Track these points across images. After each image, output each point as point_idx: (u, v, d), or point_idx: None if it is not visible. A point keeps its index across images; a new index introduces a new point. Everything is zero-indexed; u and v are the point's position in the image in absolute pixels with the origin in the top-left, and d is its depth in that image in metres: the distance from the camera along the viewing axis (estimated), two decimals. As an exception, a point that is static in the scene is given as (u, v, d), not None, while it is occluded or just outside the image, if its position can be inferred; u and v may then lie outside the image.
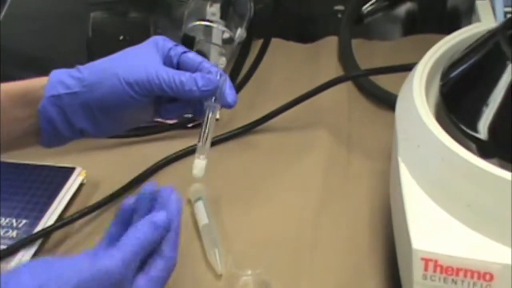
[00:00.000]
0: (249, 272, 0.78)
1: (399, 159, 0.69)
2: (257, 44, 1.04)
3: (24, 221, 0.87)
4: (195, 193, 0.89)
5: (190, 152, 0.97)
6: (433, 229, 0.63)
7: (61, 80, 0.69)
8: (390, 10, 1.25)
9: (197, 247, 0.84)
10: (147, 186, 0.65)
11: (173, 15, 1.08)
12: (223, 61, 1.00)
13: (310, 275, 0.79)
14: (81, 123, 0.69)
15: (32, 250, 0.84)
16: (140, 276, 0.61)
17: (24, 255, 0.83)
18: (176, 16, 1.07)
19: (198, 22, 0.99)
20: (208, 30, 0.99)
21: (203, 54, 0.80)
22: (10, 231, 0.86)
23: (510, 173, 0.60)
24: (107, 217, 0.89)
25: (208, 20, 0.99)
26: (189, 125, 1.02)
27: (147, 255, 0.62)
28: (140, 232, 0.60)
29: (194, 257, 0.83)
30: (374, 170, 0.91)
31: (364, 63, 1.08)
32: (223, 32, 1.00)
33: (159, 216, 0.62)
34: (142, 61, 0.69)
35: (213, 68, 0.70)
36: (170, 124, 1.00)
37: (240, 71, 1.03)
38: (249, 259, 0.80)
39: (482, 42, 0.71)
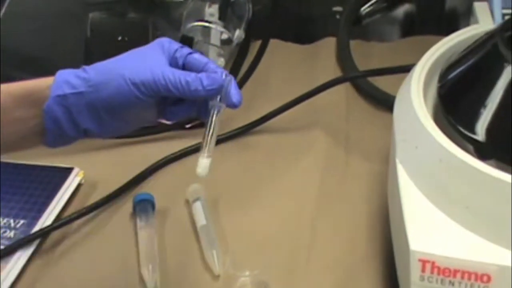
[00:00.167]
0: (247, 273, 0.78)
1: (397, 160, 0.69)
2: (256, 45, 1.04)
3: (22, 221, 0.87)
4: (193, 193, 0.89)
5: (188, 152, 0.98)
6: (430, 231, 0.63)
7: (67, 80, 0.69)
8: (388, 11, 1.25)
9: (195, 248, 0.84)
10: None
11: (171, 15, 1.08)
12: (221, 61, 1.00)
13: (308, 276, 0.79)
14: (86, 123, 0.69)
15: (30, 250, 0.84)
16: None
17: (22, 255, 0.83)
18: (174, 16, 1.07)
19: (196, 23, 0.99)
20: (206, 31, 0.99)
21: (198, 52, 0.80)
22: (8, 231, 0.86)
23: (507, 175, 0.60)
24: (105, 218, 0.89)
25: (206, 21, 0.99)
26: (187, 126, 1.01)
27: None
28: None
29: (192, 258, 0.83)
30: (372, 171, 0.91)
31: (362, 64, 1.08)
32: (221, 33, 1.00)
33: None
34: (148, 62, 0.69)
35: (218, 68, 0.70)
36: (168, 125, 1.00)
37: (238, 71, 1.04)
38: (247, 260, 0.80)
39: (480, 44, 0.71)
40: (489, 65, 0.68)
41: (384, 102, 1.00)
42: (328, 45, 1.16)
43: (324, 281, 0.79)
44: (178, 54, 0.71)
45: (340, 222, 0.86)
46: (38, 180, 0.92)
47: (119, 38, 1.06)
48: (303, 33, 1.23)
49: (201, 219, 0.86)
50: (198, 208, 0.87)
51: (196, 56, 0.71)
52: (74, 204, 0.91)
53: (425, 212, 0.64)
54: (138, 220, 0.87)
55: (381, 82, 1.04)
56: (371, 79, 1.05)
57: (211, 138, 0.71)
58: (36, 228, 0.86)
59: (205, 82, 0.68)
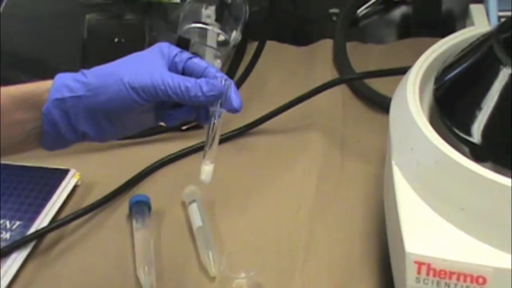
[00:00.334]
0: (243, 274, 0.78)
1: (393, 162, 0.69)
2: (252, 47, 1.04)
3: (18, 223, 0.87)
4: (189, 195, 0.89)
5: (184, 154, 0.98)
6: (426, 233, 0.63)
7: (65, 83, 0.69)
8: (385, 13, 1.26)
9: (191, 250, 0.84)
10: None
11: (168, 17, 1.08)
12: (218, 63, 1.00)
13: (304, 278, 0.79)
14: (84, 127, 0.69)
15: (25, 251, 0.84)
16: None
17: (18, 257, 0.83)
18: (171, 18, 1.07)
19: (193, 25, 0.99)
20: (203, 32, 0.99)
21: (198, 57, 0.80)
22: (4, 233, 0.85)
23: (503, 177, 0.60)
24: (101, 219, 0.89)
25: (203, 23, 0.99)
26: (184, 128, 1.01)
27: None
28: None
29: (188, 259, 0.83)
30: (368, 173, 0.92)
31: (359, 66, 1.08)
32: (218, 34, 1.00)
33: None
34: (147, 66, 0.69)
35: (218, 73, 0.70)
36: (165, 127, 1.00)
37: (235, 73, 1.04)
38: (243, 262, 0.80)
39: (476, 46, 0.71)
40: (485, 67, 0.68)
41: (381, 104, 1.00)
42: (324, 47, 1.16)
43: (320, 283, 0.79)
44: (177, 59, 0.71)
45: (336, 224, 0.86)
46: (34, 181, 0.92)
47: (116, 39, 1.06)
48: (300, 35, 1.23)
49: (197, 221, 0.86)
50: (194, 210, 0.87)
51: (196, 60, 0.72)
52: (70, 205, 0.91)
53: (421, 214, 0.64)
54: (134, 222, 0.87)
55: (378, 84, 1.04)
56: (367, 81, 1.05)
57: (213, 144, 0.71)
58: (32, 229, 0.86)
59: (205, 88, 0.68)
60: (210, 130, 0.71)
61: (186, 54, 0.72)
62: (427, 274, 0.61)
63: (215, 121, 0.70)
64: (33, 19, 1.12)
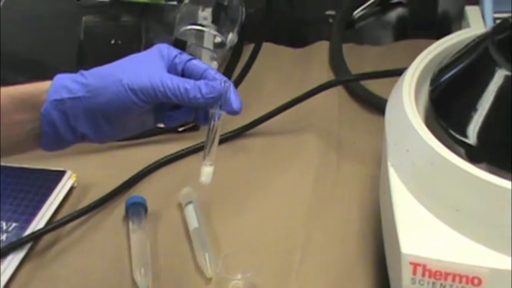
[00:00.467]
0: (239, 275, 0.78)
1: (389, 163, 0.69)
2: (249, 49, 1.04)
3: (14, 225, 0.87)
4: (185, 196, 0.89)
5: (181, 156, 0.98)
6: (422, 234, 0.63)
7: (64, 84, 0.69)
8: (381, 15, 1.26)
9: (187, 251, 0.84)
10: None
11: (165, 19, 1.08)
12: (214, 65, 1.00)
13: (300, 279, 0.79)
14: (83, 128, 0.70)
15: (22, 253, 0.84)
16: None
17: (14, 259, 0.83)
18: (168, 20, 1.07)
19: (190, 27, 0.99)
20: (199, 34, 0.99)
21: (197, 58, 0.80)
22: (0, 234, 0.85)
23: (498, 178, 0.60)
24: (97, 221, 0.89)
25: (199, 25, 0.99)
26: (180, 129, 1.01)
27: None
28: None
29: (184, 260, 0.83)
30: (364, 175, 0.92)
31: (355, 68, 1.09)
32: (214, 36, 1.00)
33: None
34: (146, 68, 0.69)
35: (217, 75, 0.71)
36: (161, 128, 1.00)
37: (231, 75, 1.04)
38: (239, 263, 0.80)
39: (471, 48, 0.71)
40: (480, 69, 0.68)
41: (377, 106, 1.00)
42: (321, 49, 1.16)
43: (316, 284, 0.79)
44: (177, 60, 0.71)
45: (333, 225, 0.86)
46: (30, 183, 0.92)
47: (112, 41, 1.06)
48: (296, 36, 1.23)
49: (193, 222, 0.86)
50: (190, 211, 0.87)
51: (196, 62, 0.72)
52: (66, 207, 0.91)
53: (416, 215, 0.64)
54: (130, 223, 0.87)
55: (374, 86, 1.04)
56: (363, 83, 1.05)
57: (213, 146, 0.71)
58: (28, 231, 0.86)
59: (204, 90, 0.68)
60: (210, 132, 0.71)
61: (185, 56, 0.72)
62: (423, 275, 0.61)
63: (215, 122, 0.70)
64: (29, 20, 1.12)
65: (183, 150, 0.98)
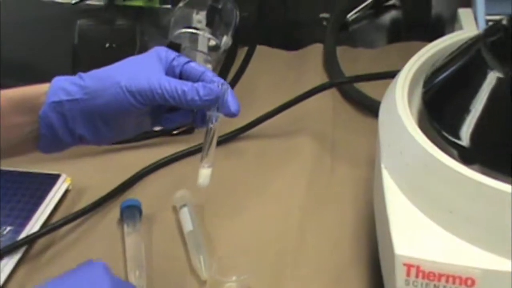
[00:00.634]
0: (234, 278, 0.78)
1: (382, 165, 0.69)
2: (243, 51, 1.04)
3: (8, 228, 0.87)
4: (180, 199, 0.89)
5: (175, 158, 0.98)
6: (415, 235, 0.63)
7: (63, 86, 0.70)
8: (375, 18, 1.26)
9: (182, 254, 0.84)
10: None
11: (159, 22, 1.08)
12: (208, 68, 1.00)
13: (295, 281, 0.80)
14: (81, 130, 0.70)
15: (16, 257, 0.84)
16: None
17: (9, 262, 0.83)
18: (162, 23, 1.07)
19: (184, 30, 0.99)
20: (194, 37, 0.99)
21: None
22: (-5, 238, 0.86)
23: (491, 180, 0.60)
24: (92, 224, 0.89)
25: (194, 28, 0.99)
26: (175, 132, 1.02)
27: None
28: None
29: (179, 263, 0.83)
30: (358, 177, 0.92)
31: (349, 70, 1.09)
32: (209, 39, 1.01)
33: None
34: (144, 70, 0.70)
35: (215, 77, 0.71)
36: (156, 131, 1.01)
37: (225, 78, 1.04)
38: (234, 265, 0.80)
39: (464, 50, 0.72)
40: (472, 71, 0.68)
41: (370, 108, 1.01)
42: (315, 52, 1.16)
43: (311, 286, 0.79)
44: (175, 63, 0.72)
45: (327, 227, 0.86)
46: (25, 186, 0.92)
47: (107, 45, 1.06)
48: (290, 39, 1.23)
49: (188, 225, 0.86)
50: (185, 214, 0.87)
51: (193, 65, 0.72)
52: (61, 210, 0.91)
53: (410, 217, 0.64)
54: (125, 226, 0.87)
55: (367, 88, 1.04)
56: (357, 85, 1.05)
57: (210, 148, 0.72)
58: (23, 234, 0.86)
59: (202, 92, 0.69)
60: (208, 134, 0.71)
61: (183, 59, 0.72)
62: (416, 276, 0.62)
63: (212, 125, 0.71)
64: (23, 24, 1.12)
65: (177, 153, 0.98)
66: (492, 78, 0.66)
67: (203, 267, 0.80)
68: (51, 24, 1.12)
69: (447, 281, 0.61)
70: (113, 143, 0.94)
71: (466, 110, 0.66)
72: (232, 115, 0.71)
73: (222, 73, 1.04)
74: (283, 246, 0.84)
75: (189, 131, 1.01)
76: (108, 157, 0.99)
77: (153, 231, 0.88)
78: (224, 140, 0.99)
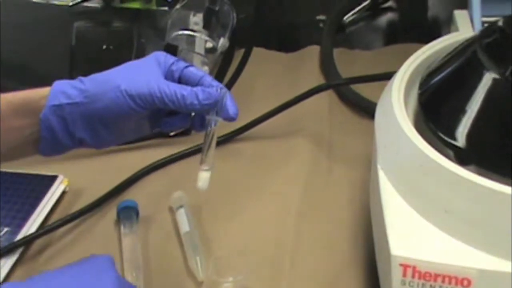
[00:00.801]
0: (230, 279, 0.78)
1: (378, 166, 0.70)
2: (240, 53, 1.04)
3: (5, 229, 0.87)
4: (177, 200, 0.89)
5: (172, 160, 0.98)
6: (411, 235, 0.63)
7: (63, 90, 0.70)
8: (371, 20, 1.27)
9: (178, 255, 0.84)
10: None
11: (156, 24, 1.09)
12: (205, 70, 1.00)
13: (291, 282, 0.80)
14: (81, 133, 0.70)
15: (13, 258, 0.84)
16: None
17: (6, 263, 0.83)
18: (159, 25, 1.07)
19: (181, 32, 0.99)
20: (191, 39, 0.99)
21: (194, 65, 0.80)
22: (-8, 239, 0.86)
23: (487, 180, 0.61)
24: (89, 225, 0.89)
25: (191, 30, 0.99)
26: (171, 134, 1.02)
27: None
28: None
29: (175, 264, 0.83)
30: (354, 178, 0.92)
31: (346, 72, 1.09)
32: (206, 41, 1.01)
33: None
34: (144, 74, 0.70)
35: (214, 82, 0.72)
36: (153, 132, 1.00)
37: (222, 80, 1.04)
38: (230, 266, 0.80)
39: (459, 51, 0.72)
40: (468, 72, 0.69)
41: (367, 109, 1.01)
42: (311, 53, 1.17)
43: (307, 286, 0.79)
44: (174, 67, 0.72)
45: (323, 228, 0.86)
46: (22, 187, 0.92)
47: (104, 46, 1.06)
48: (287, 41, 1.24)
49: (184, 226, 0.86)
50: (181, 215, 0.87)
51: (192, 69, 0.73)
52: (58, 211, 0.91)
53: (406, 217, 0.65)
54: (122, 227, 0.87)
55: (364, 90, 1.05)
56: (354, 87, 1.06)
57: (209, 151, 0.72)
58: (20, 235, 0.86)
59: (201, 96, 0.69)
60: (207, 137, 0.72)
61: (182, 63, 0.73)
62: (413, 276, 0.62)
63: (211, 129, 0.71)
64: (20, 26, 1.12)
65: (174, 154, 0.98)
66: (488, 79, 0.66)
67: (199, 268, 0.80)
68: (48, 25, 1.12)
69: (443, 281, 0.61)
70: (112, 146, 0.94)
71: (462, 111, 0.67)
72: (230, 119, 0.72)
73: (219, 75, 1.04)
74: (279, 247, 0.84)
75: (186, 132, 1.01)
76: (105, 159, 0.99)
77: (150, 232, 0.88)
78: (221, 141, 1.00)
